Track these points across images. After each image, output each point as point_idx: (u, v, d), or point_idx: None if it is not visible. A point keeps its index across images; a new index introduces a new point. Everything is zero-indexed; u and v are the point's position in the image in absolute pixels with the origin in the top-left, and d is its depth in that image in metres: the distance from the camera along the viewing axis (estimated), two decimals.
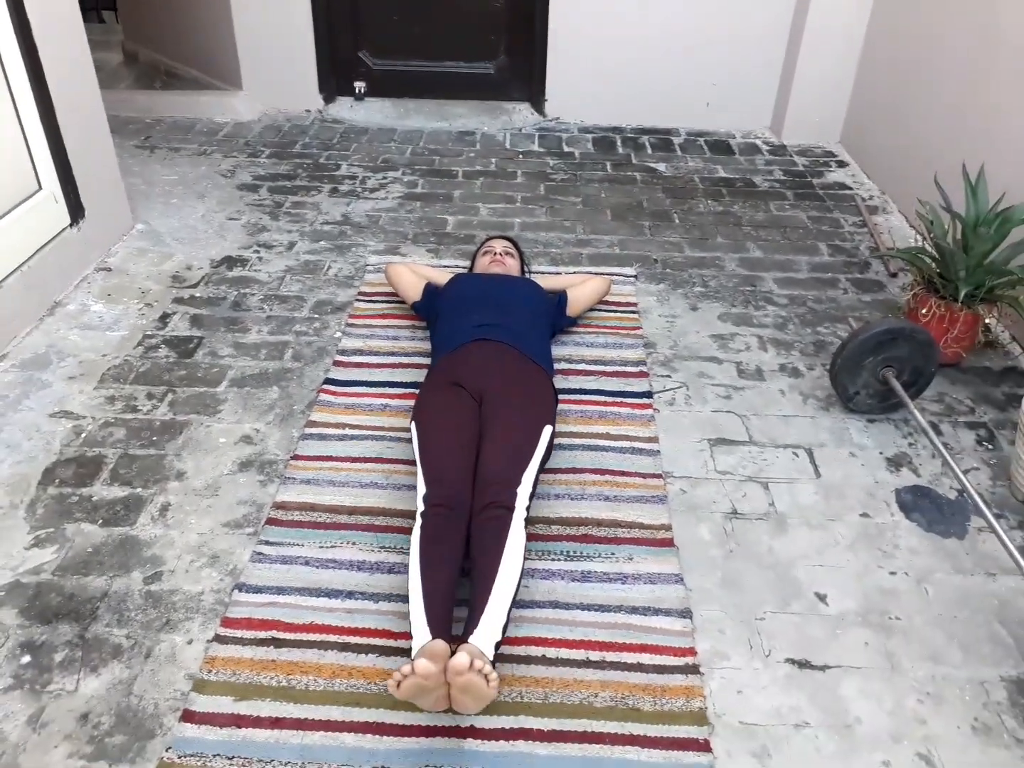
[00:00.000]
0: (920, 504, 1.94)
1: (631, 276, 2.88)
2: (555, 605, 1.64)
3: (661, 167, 3.86)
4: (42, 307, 2.52)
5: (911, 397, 2.16)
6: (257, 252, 2.98)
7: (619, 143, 4.12)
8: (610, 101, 4.28)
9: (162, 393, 2.23)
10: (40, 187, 2.52)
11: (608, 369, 2.37)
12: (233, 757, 1.36)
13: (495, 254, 2.51)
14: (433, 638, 1.39)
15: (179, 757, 1.35)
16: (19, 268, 2.41)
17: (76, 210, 2.67)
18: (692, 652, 1.56)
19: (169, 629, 1.58)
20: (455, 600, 1.53)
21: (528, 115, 4.36)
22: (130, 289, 2.71)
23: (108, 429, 2.09)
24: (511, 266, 2.50)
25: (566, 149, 4.03)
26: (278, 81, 4.26)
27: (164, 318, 2.57)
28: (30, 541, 1.76)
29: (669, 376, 2.37)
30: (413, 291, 2.47)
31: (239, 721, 1.41)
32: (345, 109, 4.36)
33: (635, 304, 2.71)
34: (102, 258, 2.85)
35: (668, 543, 1.80)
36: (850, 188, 3.68)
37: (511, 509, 1.62)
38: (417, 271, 2.57)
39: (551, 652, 1.55)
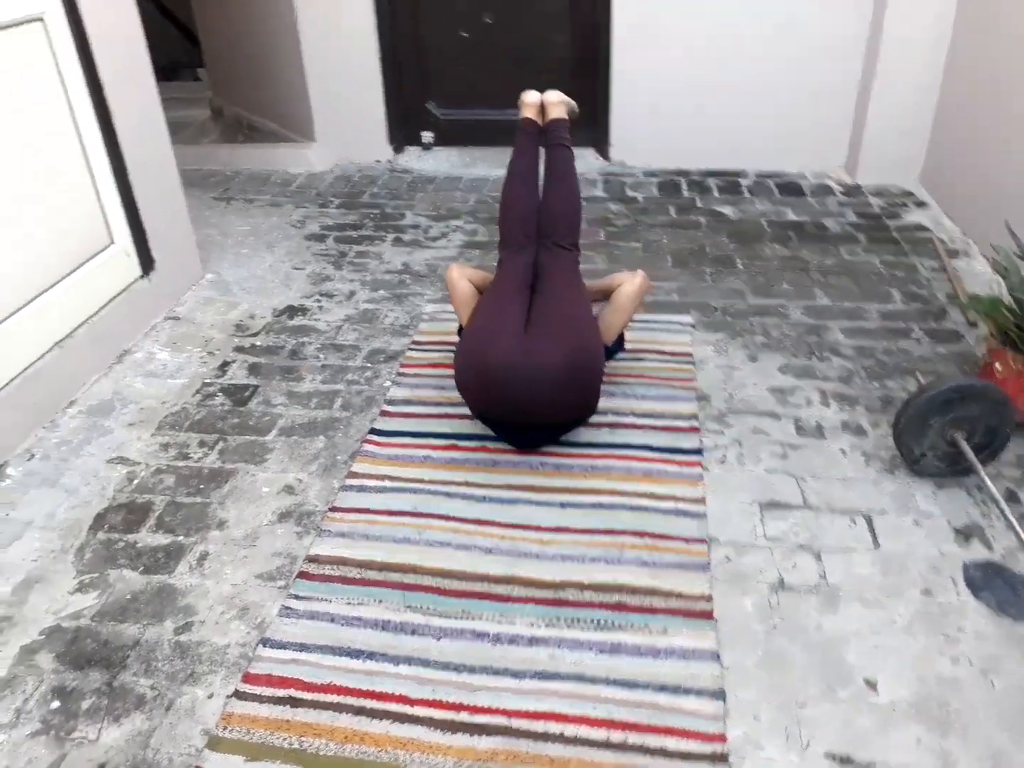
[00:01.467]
0: (991, 582, 1.78)
1: (688, 324, 2.81)
2: (580, 679, 1.57)
3: (727, 210, 3.77)
4: (112, 355, 2.64)
5: (984, 461, 2.00)
6: (318, 301, 3.05)
7: (684, 186, 4.06)
8: (676, 144, 4.23)
9: (214, 441, 2.29)
10: (112, 241, 2.65)
11: (658, 423, 2.30)
12: None
13: None
14: None
15: None
16: (89, 319, 2.54)
17: (147, 262, 2.81)
18: (722, 738, 1.46)
19: (192, 682, 1.59)
20: None
21: (592, 161, 4.36)
22: (195, 337, 2.82)
23: (159, 476, 2.15)
24: None
25: (629, 194, 4.00)
26: (349, 133, 4.41)
27: (224, 366, 2.65)
28: (75, 586, 1.82)
29: (722, 432, 2.28)
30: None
31: None
32: (414, 159, 4.46)
33: (690, 354, 2.63)
34: (171, 307, 2.97)
35: (707, 615, 1.70)
36: (929, 230, 3.50)
37: None
38: (482, 288, 2.42)
39: (570, 730, 1.48)
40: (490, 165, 4.38)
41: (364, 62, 4.22)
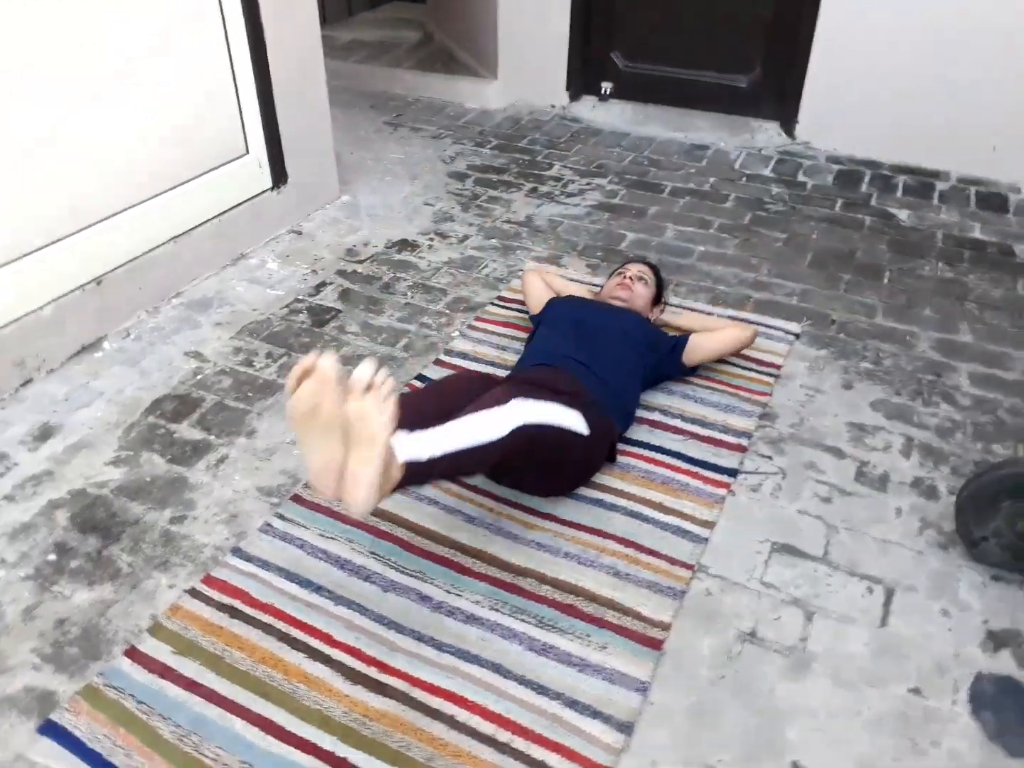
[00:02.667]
0: (1001, 702, 1.51)
1: (792, 334, 2.56)
2: (497, 670, 1.54)
3: (902, 214, 3.35)
4: (227, 257, 2.86)
5: None
6: (431, 240, 3.10)
7: (866, 180, 3.64)
8: (873, 130, 3.79)
9: (280, 355, 2.43)
10: (247, 152, 2.84)
11: (702, 432, 2.14)
12: (141, 703, 1.47)
13: (625, 277, 2.39)
14: None
15: (103, 685, 1.50)
16: (211, 220, 2.75)
17: (279, 177, 2.98)
18: None
19: (163, 569, 1.74)
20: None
21: (774, 136, 4.02)
22: (307, 254, 2.97)
23: (220, 376, 2.33)
24: (639, 293, 2.35)
25: (800, 178, 3.66)
26: (530, 75, 4.36)
27: (320, 286, 2.79)
28: (112, 458, 2.04)
29: (770, 458, 2.08)
30: (536, 303, 2.43)
31: (165, 672, 1.52)
32: (587, 109, 4.34)
33: (779, 367, 2.41)
34: (298, 222, 3.15)
35: (655, 644, 1.60)
36: None
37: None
38: (551, 283, 2.52)
39: (462, 715, 1.46)
40: (663, 125, 4.18)
41: (555, 5, 4.12)
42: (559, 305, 2.29)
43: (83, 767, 1.38)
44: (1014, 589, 1.74)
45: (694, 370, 2.32)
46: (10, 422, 2.13)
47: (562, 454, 1.80)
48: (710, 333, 2.32)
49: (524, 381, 1.87)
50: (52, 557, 1.76)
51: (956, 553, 1.82)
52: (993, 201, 3.46)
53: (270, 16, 2.70)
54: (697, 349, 2.26)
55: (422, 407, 1.56)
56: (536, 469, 1.83)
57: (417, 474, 1.42)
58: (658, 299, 2.47)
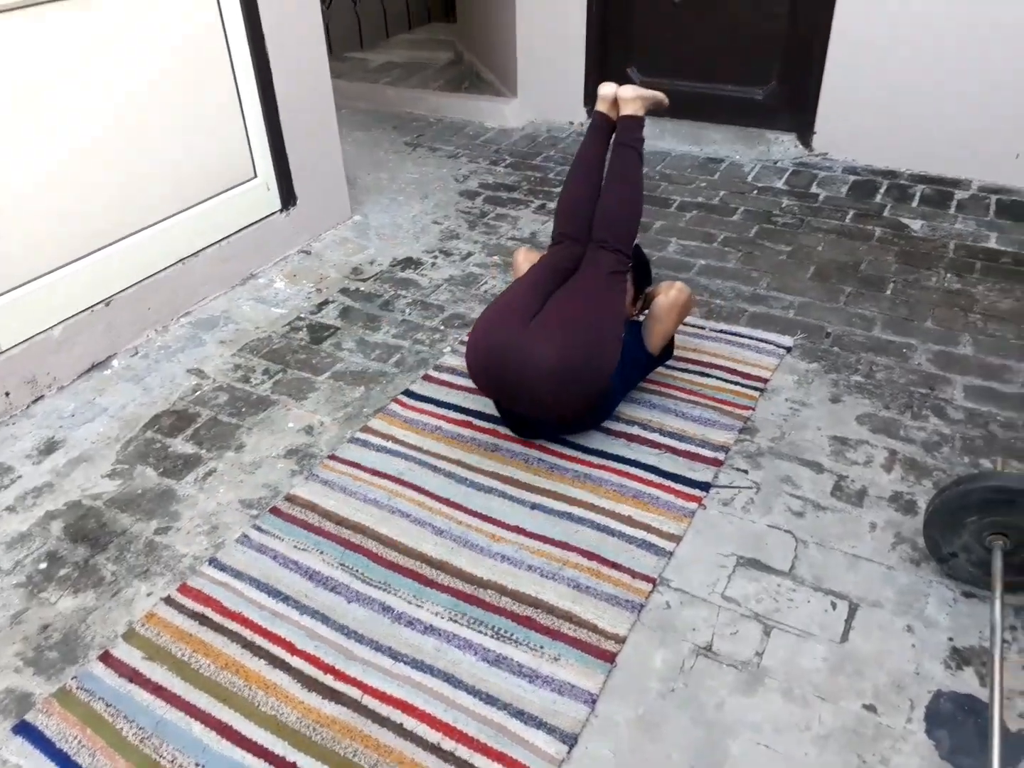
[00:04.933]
0: (958, 722, 1.48)
1: (784, 347, 2.54)
2: (449, 679, 1.58)
3: (915, 225, 3.29)
4: (237, 277, 2.98)
5: None
6: (435, 257, 3.17)
7: (882, 190, 3.59)
8: (892, 140, 3.73)
9: (276, 371, 2.52)
10: (255, 175, 2.95)
11: (679, 446, 2.14)
12: (110, 705, 1.55)
13: None
14: None
15: (76, 688, 1.58)
16: (220, 241, 2.87)
17: (288, 198, 3.09)
18: None
19: (143, 578, 1.83)
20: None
21: (790, 147, 3.99)
22: (314, 273, 3.07)
23: (217, 392, 2.43)
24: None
25: (812, 190, 3.62)
26: (548, 92, 4.43)
27: (323, 304, 2.88)
28: (108, 471, 2.14)
29: (746, 472, 2.07)
30: None
31: (134, 676, 1.60)
32: None
33: (766, 380, 2.39)
34: (308, 242, 3.26)
35: (608, 657, 1.61)
36: None
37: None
38: (533, 261, 2.46)
39: (410, 723, 1.50)
40: (678, 139, 4.19)
41: (572, 22, 4.18)
42: None
43: (50, 766, 1.46)
44: (985, 607, 1.70)
45: (668, 352, 2.31)
46: (19, 437, 2.26)
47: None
48: (648, 315, 2.24)
49: None
50: (43, 566, 1.87)
51: (928, 569, 1.79)
52: (1014, 209, 3.37)
53: (274, 43, 2.81)
54: (649, 337, 2.23)
55: None
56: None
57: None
58: (641, 288, 2.35)
